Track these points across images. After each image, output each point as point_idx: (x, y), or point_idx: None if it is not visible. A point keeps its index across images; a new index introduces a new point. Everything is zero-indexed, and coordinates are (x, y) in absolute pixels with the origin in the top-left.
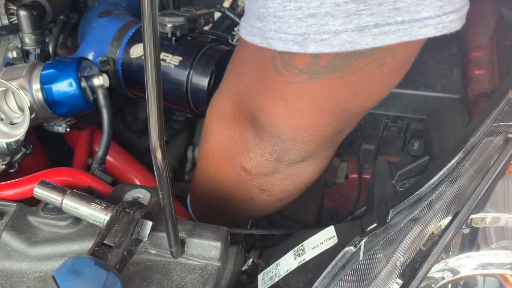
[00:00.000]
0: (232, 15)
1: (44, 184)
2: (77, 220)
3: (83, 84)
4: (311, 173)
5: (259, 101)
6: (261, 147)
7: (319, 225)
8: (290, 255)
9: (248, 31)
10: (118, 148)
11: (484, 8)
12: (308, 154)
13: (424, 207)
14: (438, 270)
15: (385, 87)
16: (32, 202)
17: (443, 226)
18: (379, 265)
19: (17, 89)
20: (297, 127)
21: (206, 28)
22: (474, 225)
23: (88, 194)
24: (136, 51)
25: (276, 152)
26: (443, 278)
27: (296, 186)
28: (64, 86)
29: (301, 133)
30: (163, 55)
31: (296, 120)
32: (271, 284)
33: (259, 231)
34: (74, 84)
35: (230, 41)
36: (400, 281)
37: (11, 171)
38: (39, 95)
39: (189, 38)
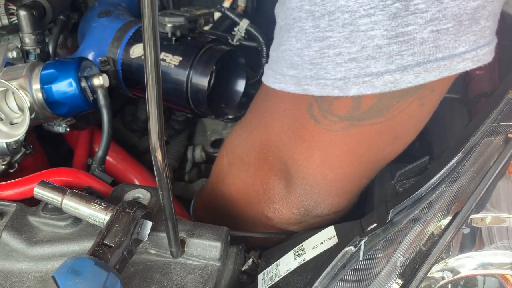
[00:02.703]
0: (232, 15)
1: (44, 184)
2: (77, 220)
3: (83, 84)
4: (333, 221)
5: (292, 151)
6: (288, 200)
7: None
8: (290, 255)
9: (277, 79)
10: (118, 148)
11: None
12: (339, 208)
13: (424, 207)
14: (438, 270)
15: (420, 128)
16: (32, 202)
17: (443, 226)
18: (379, 265)
19: (17, 89)
20: (332, 179)
21: (206, 28)
22: (474, 225)
23: (88, 194)
24: (136, 51)
25: (305, 207)
26: (443, 278)
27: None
28: (64, 86)
29: (336, 185)
30: (163, 55)
31: (332, 170)
32: (271, 284)
33: (259, 234)
34: (74, 84)
35: (230, 41)
36: (400, 281)
37: (11, 171)
38: (39, 95)
39: (189, 38)
